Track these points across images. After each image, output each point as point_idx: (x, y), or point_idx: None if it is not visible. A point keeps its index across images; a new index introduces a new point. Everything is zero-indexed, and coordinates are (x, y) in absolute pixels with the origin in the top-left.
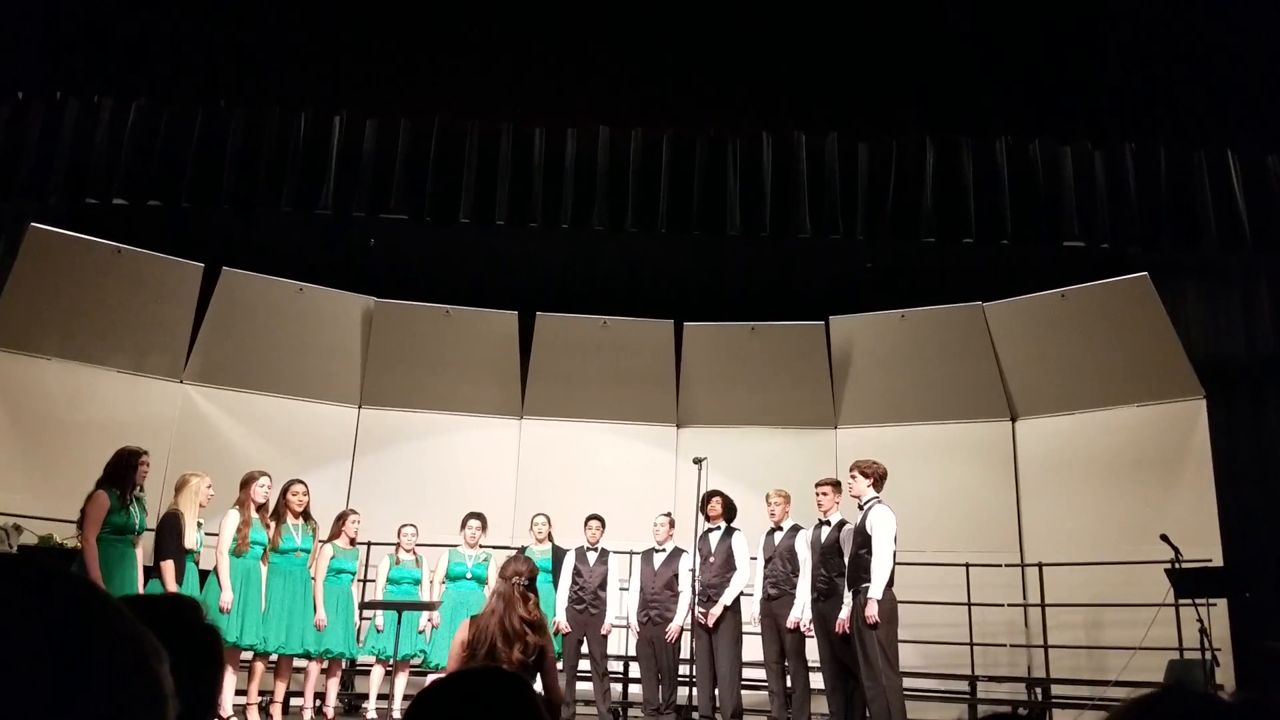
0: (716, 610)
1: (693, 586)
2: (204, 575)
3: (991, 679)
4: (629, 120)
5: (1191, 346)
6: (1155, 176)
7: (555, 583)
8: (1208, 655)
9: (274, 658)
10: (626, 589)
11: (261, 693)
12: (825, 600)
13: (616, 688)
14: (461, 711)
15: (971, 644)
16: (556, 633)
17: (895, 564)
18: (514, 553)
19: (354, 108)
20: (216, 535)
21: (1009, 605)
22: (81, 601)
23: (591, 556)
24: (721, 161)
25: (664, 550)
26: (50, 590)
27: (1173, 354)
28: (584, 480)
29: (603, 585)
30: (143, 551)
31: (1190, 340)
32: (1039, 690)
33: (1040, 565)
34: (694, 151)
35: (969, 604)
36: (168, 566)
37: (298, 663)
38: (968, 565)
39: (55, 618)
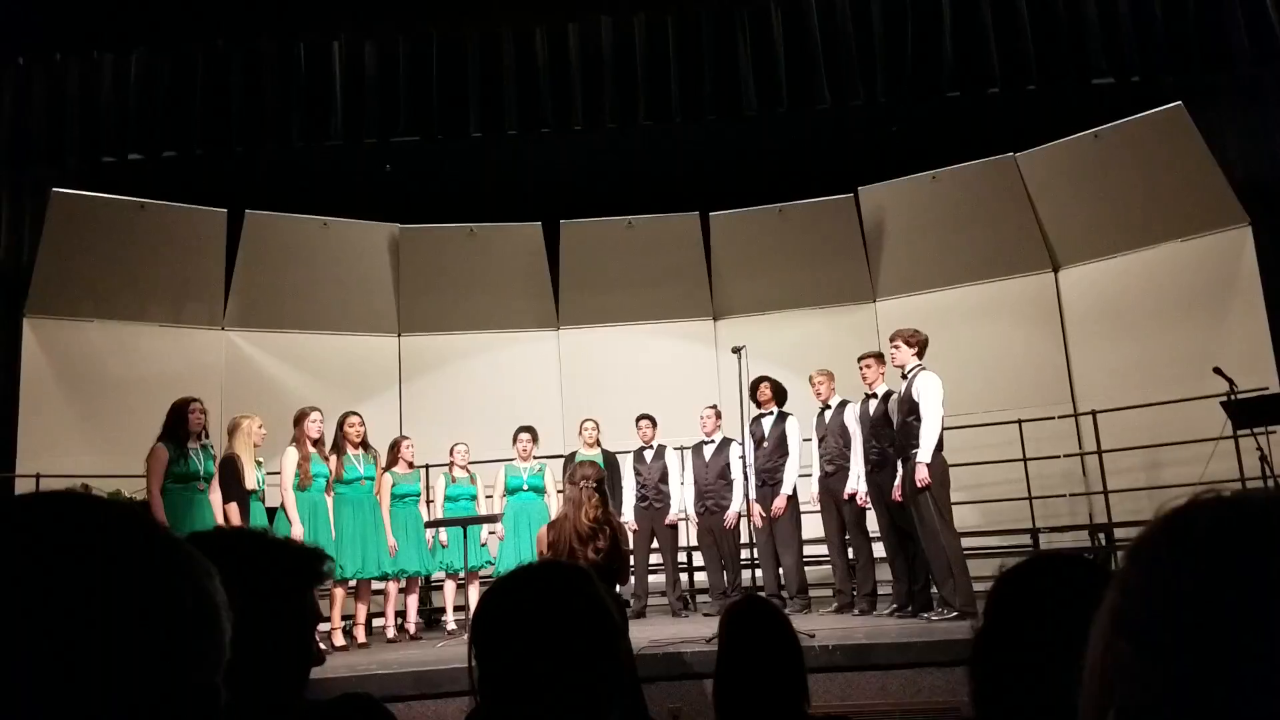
0: (780, 502)
1: (744, 473)
2: (271, 513)
3: (1053, 529)
4: (632, 5)
5: (1233, 173)
6: None
7: (609, 488)
8: (1270, 483)
9: (353, 583)
10: (683, 483)
11: (344, 617)
12: (879, 471)
13: (684, 577)
14: (525, 602)
15: (1030, 498)
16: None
17: (944, 428)
18: (564, 459)
19: (351, 31)
20: (278, 474)
21: (1065, 456)
22: (127, 529)
23: (648, 454)
24: (731, 38)
25: (713, 442)
26: (99, 521)
27: (1214, 183)
28: (627, 383)
29: (663, 479)
30: (219, 496)
31: (1231, 167)
32: (1102, 535)
33: (1094, 413)
34: (700, 31)
35: (1024, 459)
36: (232, 509)
37: (376, 585)
38: (1020, 421)
39: (109, 548)
